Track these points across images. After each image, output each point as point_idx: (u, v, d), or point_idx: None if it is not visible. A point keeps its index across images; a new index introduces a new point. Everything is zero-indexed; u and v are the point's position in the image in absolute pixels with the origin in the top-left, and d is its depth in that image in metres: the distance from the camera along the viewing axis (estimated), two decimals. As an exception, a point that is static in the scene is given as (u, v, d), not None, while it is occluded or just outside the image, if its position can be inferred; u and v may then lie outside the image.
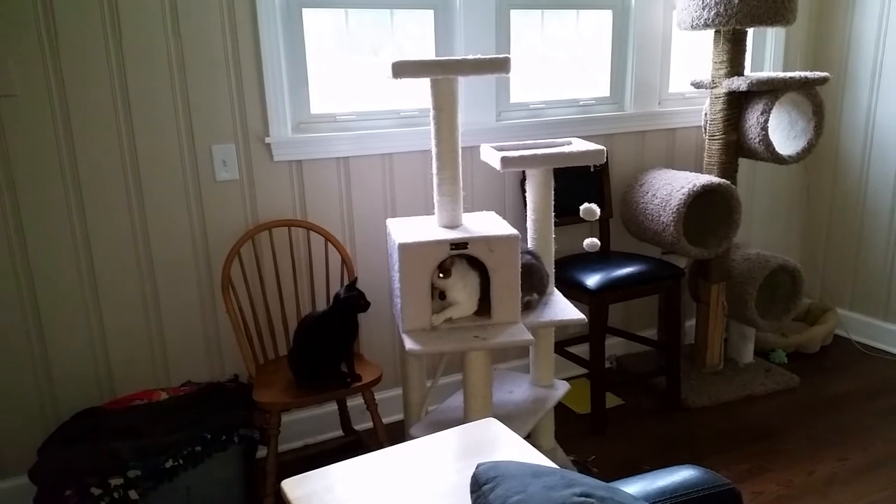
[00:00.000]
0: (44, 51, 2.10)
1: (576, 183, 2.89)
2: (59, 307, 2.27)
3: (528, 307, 2.23)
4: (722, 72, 2.83)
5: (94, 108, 2.19)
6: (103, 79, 2.19)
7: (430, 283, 2.04)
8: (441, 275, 2.04)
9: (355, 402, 2.63)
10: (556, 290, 2.39)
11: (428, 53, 2.69)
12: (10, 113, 2.10)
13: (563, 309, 2.25)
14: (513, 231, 2.07)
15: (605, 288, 2.63)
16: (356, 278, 2.21)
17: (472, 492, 0.99)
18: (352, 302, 2.17)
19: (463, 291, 2.08)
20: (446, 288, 2.07)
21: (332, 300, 2.21)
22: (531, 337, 2.01)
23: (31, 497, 2.02)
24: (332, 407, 2.67)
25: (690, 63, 3.25)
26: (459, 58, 2.00)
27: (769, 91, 2.71)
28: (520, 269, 2.08)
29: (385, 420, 2.72)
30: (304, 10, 2.45)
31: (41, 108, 2.13)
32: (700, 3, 2.71)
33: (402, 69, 1.95)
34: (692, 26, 2.77)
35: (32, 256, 2.20)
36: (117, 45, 2.18)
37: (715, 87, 2.87)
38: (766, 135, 2.73)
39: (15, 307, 2.21)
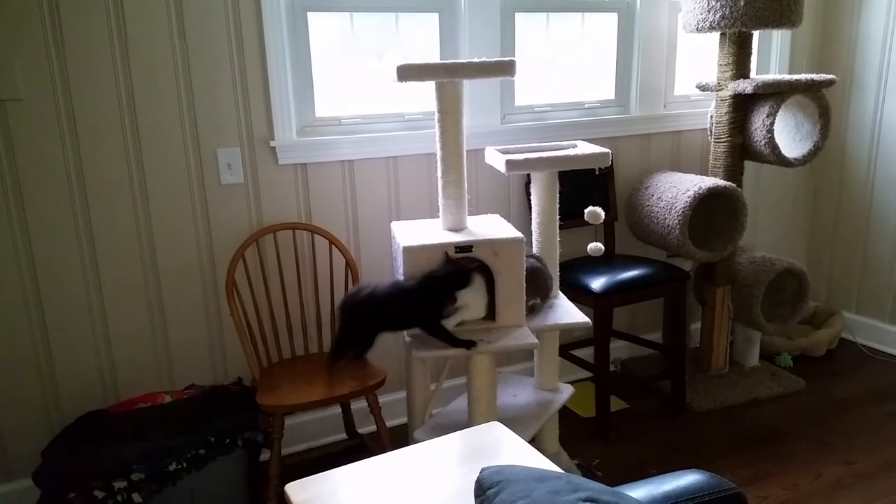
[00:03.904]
0: (50, 55, 2.11)
1: (581, 186, 2.88)
2: (64, 309, 2.27)
3: (532, 311, 2.22)
4: (727, 74, 2.82)
5: (99, 111, 2.20)
6: (109, 82, 2.19)
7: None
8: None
9: (359, 405, 2.63)
10: (560, 293, 2.38)
11: (433, 57, 2.69)
12: (17, 116, 2.10)
13: (567, 312, 2.25)
14: (517, 234, 2.06)
15: (609, 291, 2.62)
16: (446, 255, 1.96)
17: (477, 496, 0.99)
18: (458, 272, 1.94)
19: (475, 298, 2.06)
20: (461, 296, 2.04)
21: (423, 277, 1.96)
22: (536, 340, 2.01)
23: (35, 500, 2.02)
24: (336, 410, 2.67)
25: (695, 66, 3.24)
26: (465, 61, 1.99)
27: (775, 93, 2.70)
28: (524, 273, 2.08)
29: (389, 423, 2.71)
30: (310, 14, 2.45)
31: (47, 112, 2.14)
32: (705, 5, 2.70)
33: (407, 72, 1.96)
34: (697, 29, 2.77)
35: (37, 258, 2.21)
36: (123, 49, 2.19)
37: (720, 89, 2.86)
38: (772, 137, 2.72)
39: (20, 309, 2.22)
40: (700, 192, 2.68)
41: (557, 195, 2.30)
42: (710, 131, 2.99)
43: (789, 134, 2.97)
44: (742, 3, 2.61)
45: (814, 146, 2.84)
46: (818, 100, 2.80)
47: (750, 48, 2.80)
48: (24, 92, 2.09)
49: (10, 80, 2.07)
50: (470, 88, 2.69)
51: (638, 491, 1.08)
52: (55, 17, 2.09)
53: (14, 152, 2.12)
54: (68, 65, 2.13)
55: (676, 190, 2.76)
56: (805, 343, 3.33)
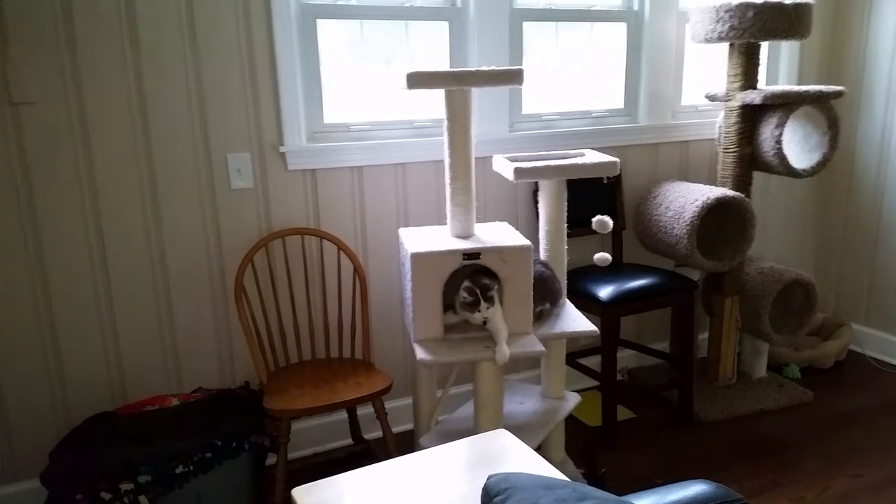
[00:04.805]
0: (62, 59, 2.13)
1: (589, 195, 2.89)
2: (74, 312, 2.28)
3: (541, 316, 2.22)
4: (736, 85, 2.82)
5: (110, 115, 2.22)
6: (120, 87, 2.21)
7: (441, 293, 2.04)
8: (488, 305, 1.99)
9: (365, 410, 2.63)
10: (568, 301, 2.38)
11: (442, 64, 2.70)
12: (29, 120, 2.12)
13: (574, 320, 2.25)
14: (525, 242, 2.07)
15: (617, 300, 2.62)
16: None
17: (483, 503, 0.99)
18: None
19: (502, 319, 2.05)
20: (492, 316, 2.01)
21: None
22: (543, 348, 2.01)
23: (42, 500, 2.03)
24: (342, 415, 2.67)
25: (704, 76, 3.24)
26: (473, 69, 2.00)
27: (784, 104, 2.70)
28: (532, 280, 2.08)
29: (395, 429, 2.72)
30: (319, 21, 2.47)
31: (59, 116, 2.16)
32: (714, 16, 2.71)
33: (417, 80, 1.97)
34: (706, 39, 2.77)
35: (48, 261, 2.22)
36: (135, 54, 2.21)
37: (729, 99, 2.86)
38: (781, 148, 2.72)
39: (29, 311, 2.23)
40: (708, 201, 2.68)
41: (565, 203, 2.30)
42: (719, 141, 2.99)
43: (798, 145, 2.96)
44: (751, 15, 2.61)
45: (822, 157, 2.83)
46: (827, 111, 2.79)
47: (758, 59, 2.80)
48: (36, 95, 2.11)
49: (23, 83, 2.09)
50: (478, 96, 2.70)
51: (644, 501, 1.08)
52: (68, 22, 2.11)
53: (26, 155, 2.14)
54: (80, 69, 2.15)
55: (685, 199, 2.76)
56: (813, 354, 3.32)
